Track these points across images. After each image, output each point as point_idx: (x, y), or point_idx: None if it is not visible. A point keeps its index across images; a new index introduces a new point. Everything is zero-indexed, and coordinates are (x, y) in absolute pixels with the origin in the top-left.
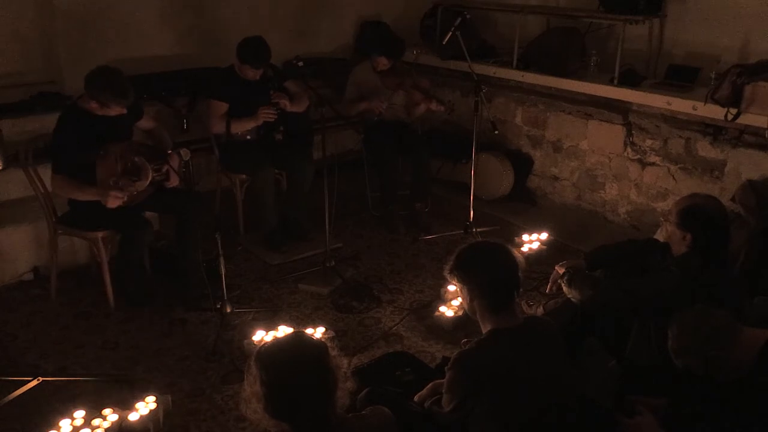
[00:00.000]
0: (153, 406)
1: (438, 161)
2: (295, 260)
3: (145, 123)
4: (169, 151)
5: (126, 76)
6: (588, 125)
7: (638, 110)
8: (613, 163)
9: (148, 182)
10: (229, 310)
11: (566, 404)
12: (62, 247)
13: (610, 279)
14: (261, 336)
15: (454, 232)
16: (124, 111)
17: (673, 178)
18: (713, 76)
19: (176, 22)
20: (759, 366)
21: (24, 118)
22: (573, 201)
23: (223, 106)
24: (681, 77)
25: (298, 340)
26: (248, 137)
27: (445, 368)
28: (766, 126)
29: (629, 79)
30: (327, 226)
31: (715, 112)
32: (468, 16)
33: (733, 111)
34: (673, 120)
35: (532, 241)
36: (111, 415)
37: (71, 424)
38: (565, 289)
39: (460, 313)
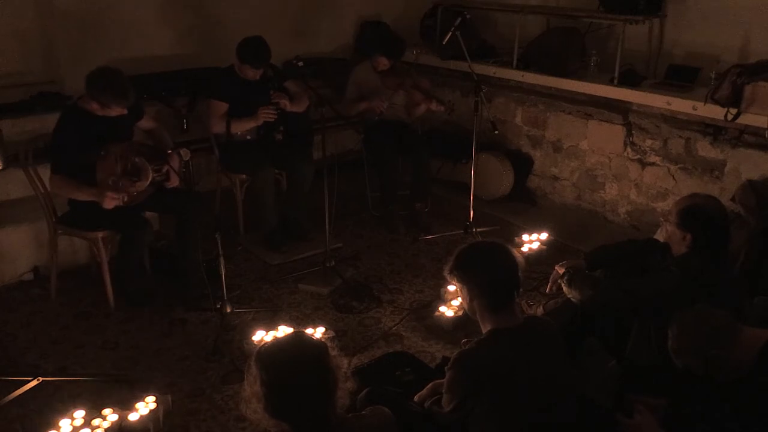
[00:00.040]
0: (153, 406)
1: (438, 161)
2: (295, 260)
3: (145, 123)
4: (169, 151)
5: (127, 77)
6: (588, 125)
7: (638, 110)
8: (613, 163)
9: (148, 183)
10: (229, 310)
11: (566, 404)
12: (62, 247)
13: (610, 279)
14: (261, 336)
15: (454, 232)
16: (125, 112)
17: (673, 178)
18: (713, 76)
19: (176, 22)
20: (759, 366)
21: (24, 118)
22: (573, 201)
23: (223, 106)
24: (681, 77)
25: (298, 340)
26: (248, 137)
27: (445, 368)
28: (766, 126)
29: (629, 79)
30: (327, 226)
31: (715, 112)
32: (468, 16)
33: (733, 111)
34: (673, 120)
35: (532, 241)
36: (111, 415)
37: (71, 424)
38: (565, 289)
39: (460, 313)
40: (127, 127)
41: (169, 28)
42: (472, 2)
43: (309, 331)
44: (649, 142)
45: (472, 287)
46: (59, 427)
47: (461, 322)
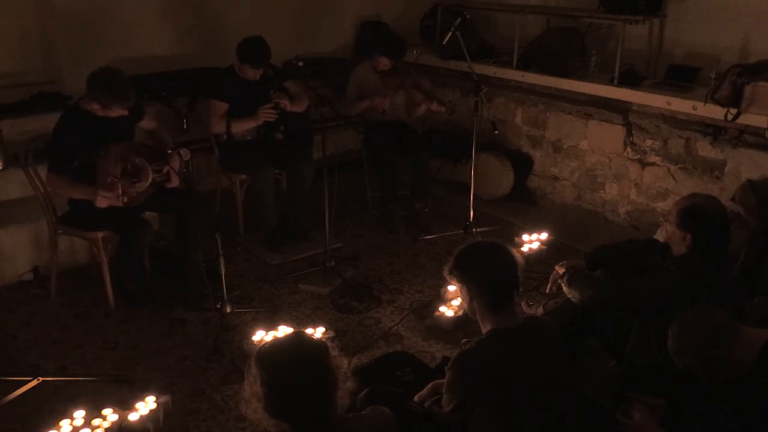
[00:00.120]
0: (153, 406)
1: (438, 161)
2: (295, 260)
3: (146, 123)
4: (169, 152)
5: (127, 78)
6: (588, 125)
7: (638, 110)
8: (613, 163)
9: (148, 183)
10: (229, 310)
11: (566, 404)
12: (62, 247)
13: (610, 279)
14: (261, 336)
15: (454, 232)
16: (126, 112)
17: (673, 178)
18: (713, 76)
19: (176, 22)
20: (759, 366)
21: (24, 118)
22: (573, 201)
23: (223, 106)
24: (681, 77)
25: (298, 340)
26: (248, 137)
27: (445, 368)
28: (766, 126)
29: (629, 79)
30: (327, 226)
31: (715, 112)
32: (468, 16)
33: (733, 111)
34: (673, 120)
35: (532, 241)
36: (111, 415)
37: (71, 424)
38: (565, 289)
39: (460, 313)
40: (127, 128)
41: (169, 28)
42: (472, 2)
43: (309, 331)
44: (649, 142)
45: (472, 287)
46: (59, 427)
47: (461, 322)
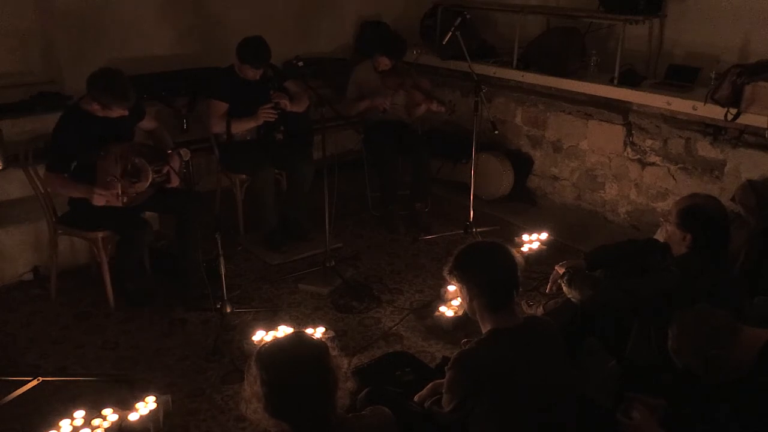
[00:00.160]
0: (153, 406)
1: (438, 161)
2: (295, 260)
3: (146, 124)
4: (169, 152)
5: (128, 78)
6: (588, 125)
7: (638, 110)
8: (613, 163)
9: (148, 184)
10: (229, 310)
11: (566, 404)
12: (62, 247)
13: (610, 279)
14: (261, 336)
15: (454, 232)
16: (126, 113)
17: (673, 178)
18: (713, 76)
19: (176, 21)
20: (759, 366)
21: (24, 118)
22: (573, 201)
23: (223, 106)
24: (681, 77)
25: (298, 340)
26: (248, 137)
27: (445, 368)
28: (766, 126)
29: (629, 79)
30: (327, 226)
31: (715, 112)
32: (468, 16)
33: (733, 111)
34: (673, 120)
35: (532, 241)
36: (111, 415)
37: (71, 424)
38: (565, 289)
39: (460, 313)
40: (127, 128)
41: (169, 28)
42: (472, 2)
43: (309, 331)
44: (649, 142)
45: (472, 287)
46: (59, 427)
47: (461, 322)
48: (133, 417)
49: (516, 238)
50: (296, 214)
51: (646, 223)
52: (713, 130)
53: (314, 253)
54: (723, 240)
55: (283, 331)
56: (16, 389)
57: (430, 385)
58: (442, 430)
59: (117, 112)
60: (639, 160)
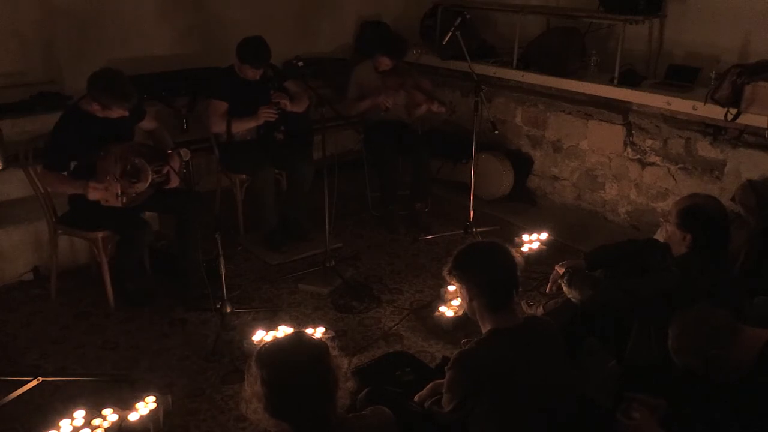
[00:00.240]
0: (153, 406)
1: (438, 161)
2: (295, 260)
3: (147, 124)
4: (169, 152)
5: (128, 79)
6: (588, 125)
7: (638, 110)
8: (613, 163)
9: (147, 184)
10: (229, 310)
11: (566, 404)
12: (62, 247)
13: (610, 279)
14: (261, 336)
15: (454, 232)
16: (126, 113)
17: (673, 178)
18: (713, 76)
19: (176, 22)
20: (759, 366)
21: (24, 118)
22: (573, 201)
23: (223, 105)
24: (681, 77)
25: (298, 340)
26: (248, 137)
27: (445, 368)
28: (766, 126)
29: (629, 79)
30: (327, 226)
31: (715, 112)
32: (468, 16)
33: (733, 111)
34: (673, 120)
35: (532, 241)
36: (111, 415)
37: (71, 424)
38: (565, 289)
39: (460, 313)
40: (127, 128)
41: (169, 28)
42: (472, 2)
43: (309, 331)
44: (649, 142)
45: (472, 287)
46: (59, 427)
47: (461, 322)
48: (133, 417)
49: (516, 238)
50: (296, 214)
51: (646, 223)
52: (713, 130)
53: (314, 253)
54: (723, 240)
55: (283, 331)
56: (16, 389)
57: (430, 385)
58: (442, 430)
59: (117, 113)
60: (639, 160)
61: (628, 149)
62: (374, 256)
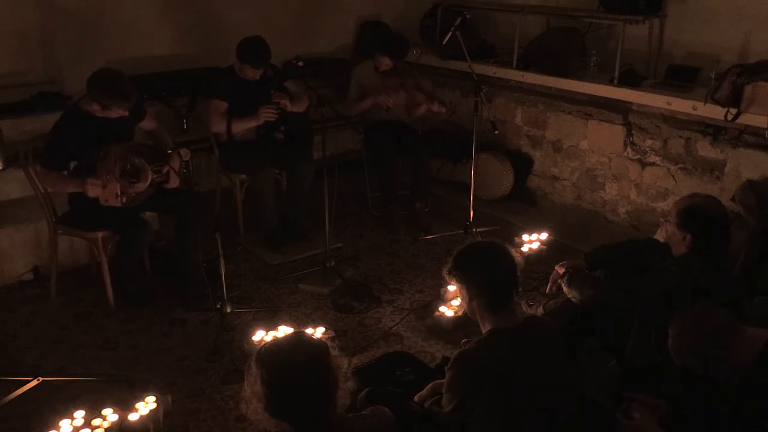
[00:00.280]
0: (153, 406)
1: (438, 161)
2: (295, 260)
3: (146, 124)
4: (169, 152)
5: (128, 79)
6: (588, 125)
7: (638, 110)
8: (613, 163)
9: (147, 184)
10: (229, 310)
11: (566, 404)
12: (62, 247)
13: (610, 279)
14: (261, 336)
15: (454, 232)
16: (126, 113)
17: (673, 178)
18: (713, 76)
19: (176, 21)
20: (759, 366)
21: (24, 118)
22: (573, 201)
23: (223, 105)
24: (681, 77)
25: (298, 340)
26: (248, 137)
27: (445, 368)
28: (766, 126)
29: (629, 79)
30: (327, 226)
31: (715, 112)
32: (468, 16)
33: (733, 111)
34: (673, 120)
35: (532, 241)
36: (111, 415)
37: (71, 424)
38: (565, 289)
39: (460, 313)
40: (127, 128)
41: (169, 28)
42: (472, 2)
43: (309, 331)
44: (649, 142)
45: (472, 287)
46: (59, 427)
47: (461, 322)
48: (133, 417)
49: (516, 238)
50: (296, 214)
51: (646, 223)
52: (713, 130)
53: (314, 253)
54: (723, 240)
55: (283, 331)
56: (16, 389)
57: (430, 385)
58: (442, 430)
59: (117, 113)
60: (639, 160)
61: (628, 149)
62: (374, 256)
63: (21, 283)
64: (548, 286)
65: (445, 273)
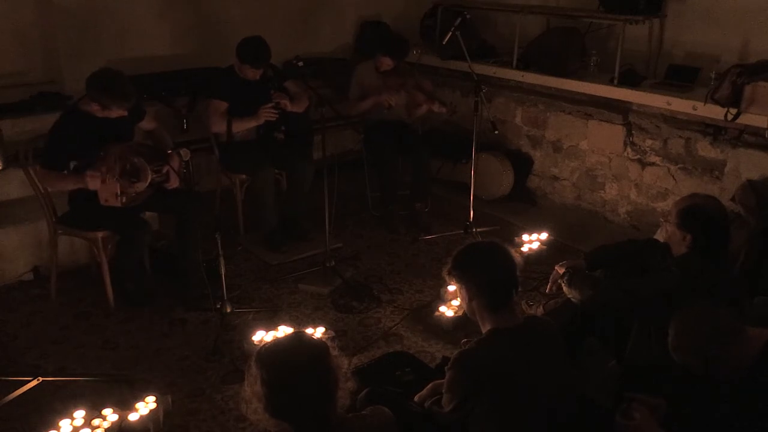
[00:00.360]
0: (153, 406)
1: (438, 161)
2: (295, 260)
3: (146, 124)
4: (169, 152)
5: (128, 79)
6: (588, 125)
7: (638, 110)
8: (613, 163)
9: (147, 184)
10: (229, 310)
11: (566, 404)
12: (62, 247)
13: (610, 279)
14: (261, 336)
15: (454, 232)
16: (125, 113)
17: (673, 178)
18: (713, 76)
19: (176, 21)
20: (760, 366)
21: (24, 118)
22: (573, 201)
23: (223, 105)
24: (681, 77)
25: (298, 340)
26: (248, 137)
27: (445, 368)
28: (766, 126)
29: (629, 79)
30: (327, 226)
31: (715, 112)
32: (468, 16)
33: (733, 111)
34: (673, 120)
35: (532, 241)
36: (111, 415)
37: (71, 424)
38: (565, 289)
39: (460, 313)
40: (127, 128)
41: (169, 28)
42: (472, 2)
43: (309, 331)
44: (649, 142)
45: (471, 287)
46: (59, 427)
47: (461, 322)
48: (133, 417)
49: (516, 238)
50: (296, 214)
51: (646, 223)
52: (713, 130)
53: (314, 253)
54: (723, 240)
55: (283, 331)
56: (16, 389)
57: (430, 385)
58: (442, 430)
59: (116, 113)
60: (639, 160)
61: (628, 149)
62: (374, 256)
63: (21, 283)
64: (548, 286)
65: (444, 273)
